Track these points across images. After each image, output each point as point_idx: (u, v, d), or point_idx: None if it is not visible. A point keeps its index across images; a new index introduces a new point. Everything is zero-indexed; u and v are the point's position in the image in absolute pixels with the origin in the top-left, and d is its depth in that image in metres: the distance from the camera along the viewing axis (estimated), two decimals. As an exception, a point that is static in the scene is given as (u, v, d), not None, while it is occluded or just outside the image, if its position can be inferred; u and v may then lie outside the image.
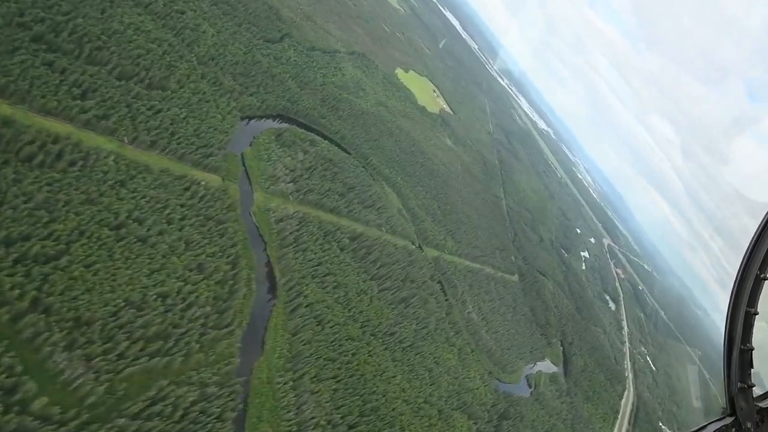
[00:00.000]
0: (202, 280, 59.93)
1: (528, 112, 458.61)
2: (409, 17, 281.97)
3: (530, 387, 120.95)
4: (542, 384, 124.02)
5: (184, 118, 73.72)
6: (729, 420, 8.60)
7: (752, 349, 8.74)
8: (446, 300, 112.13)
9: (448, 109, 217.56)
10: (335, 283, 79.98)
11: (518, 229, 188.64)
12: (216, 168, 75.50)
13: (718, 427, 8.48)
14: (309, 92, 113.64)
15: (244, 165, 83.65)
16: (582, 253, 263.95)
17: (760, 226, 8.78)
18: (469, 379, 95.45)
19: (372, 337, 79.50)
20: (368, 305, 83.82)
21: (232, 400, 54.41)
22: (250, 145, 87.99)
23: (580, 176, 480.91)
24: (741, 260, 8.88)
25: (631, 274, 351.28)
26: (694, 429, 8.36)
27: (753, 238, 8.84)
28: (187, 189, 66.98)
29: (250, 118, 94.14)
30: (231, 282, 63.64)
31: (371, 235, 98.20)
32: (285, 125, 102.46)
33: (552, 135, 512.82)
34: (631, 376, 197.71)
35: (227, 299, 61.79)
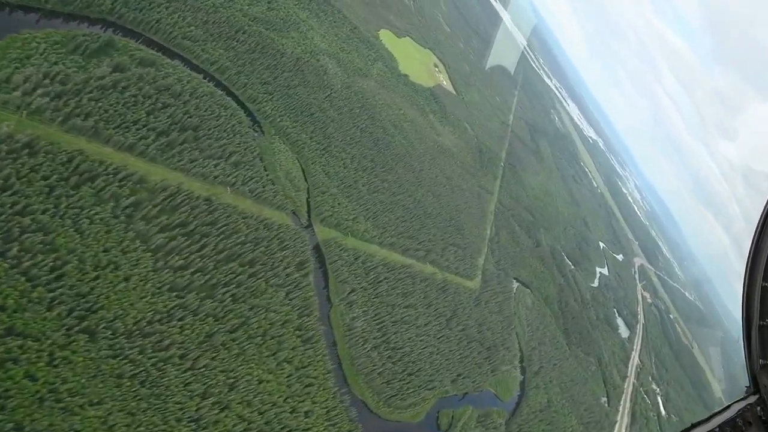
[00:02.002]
0: None
1: (575, 118, 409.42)
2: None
3: (438, 430, 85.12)
4: (461, 426, 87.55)
5: None
6: (753, 399, 7.79)
7: None
8: (327, 298, 78.77)
9: (449, 88, 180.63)
10: (44, 246, 48.54)
11: (504, 229, 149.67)
12: None
13: (743, 406, 7.68)
14: (180, 6, 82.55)
15: (-38, 60, 53.81)
16: (598, 269, 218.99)
17: None
18: (294, 414, 61.32)
19: (85, 337, 47.50)
20: (113, 287, 51.80)
21: None
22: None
23: (625, 191, 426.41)
24: (752, 237, 8.11)
25: (664, 300, 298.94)
26: (718, 410, 7.45)
27: (762, 214, 8.13)
28: None
29: (39, 12, 64.43)
30: None
31: (193, 192, 65.97)
32: (127, 39, 72.27)
33: (600, 145, 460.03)
34: (625, 420, 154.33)
35: None
